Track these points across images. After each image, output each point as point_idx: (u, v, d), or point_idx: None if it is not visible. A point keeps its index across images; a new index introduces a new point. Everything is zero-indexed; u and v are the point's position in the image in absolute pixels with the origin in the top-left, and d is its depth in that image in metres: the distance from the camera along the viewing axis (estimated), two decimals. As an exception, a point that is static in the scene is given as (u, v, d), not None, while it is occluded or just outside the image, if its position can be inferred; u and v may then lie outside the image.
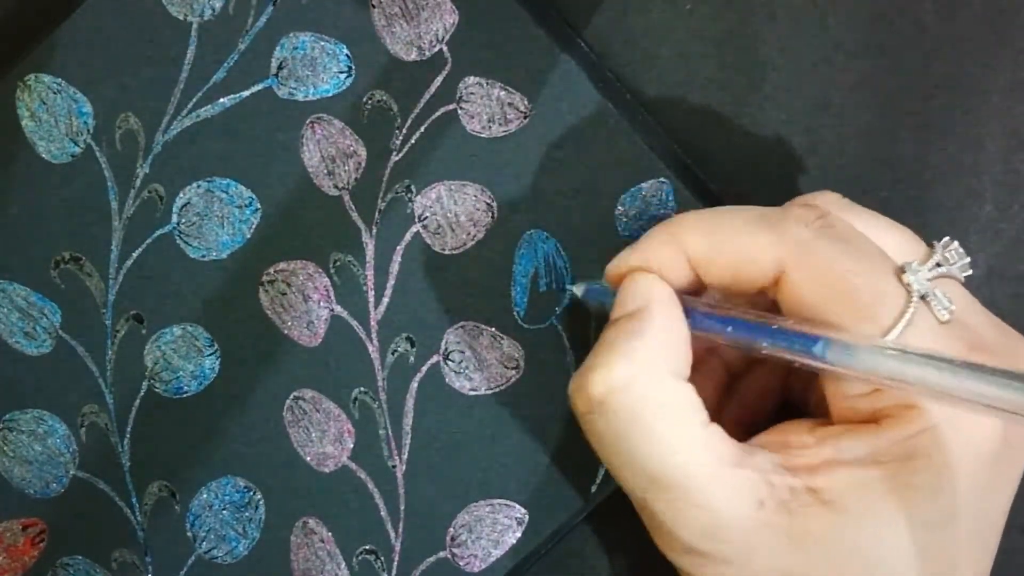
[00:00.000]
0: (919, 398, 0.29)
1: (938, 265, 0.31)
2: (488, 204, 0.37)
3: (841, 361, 0.29)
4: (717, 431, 0.31)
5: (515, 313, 0.37)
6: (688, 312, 0.32)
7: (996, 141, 0.38)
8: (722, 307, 0.32)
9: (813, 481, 0.30)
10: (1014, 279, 0.38)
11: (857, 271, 0.30)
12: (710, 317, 0.32)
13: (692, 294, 0.33)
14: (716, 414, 0.35)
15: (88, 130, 0.37)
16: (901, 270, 0.30)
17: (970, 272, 0.32)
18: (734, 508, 0.30)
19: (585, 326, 0.37)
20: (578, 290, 0.35)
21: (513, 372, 0.37)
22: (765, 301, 0.32)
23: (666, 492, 0.30)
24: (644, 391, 0.30)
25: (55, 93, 0.37)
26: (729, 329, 0.31)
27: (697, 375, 0.33)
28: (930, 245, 0.32)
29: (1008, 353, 0.31)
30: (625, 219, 0.37)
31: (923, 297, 0.30)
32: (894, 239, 0.32)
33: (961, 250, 0.32)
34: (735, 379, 0.36)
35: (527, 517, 0.37)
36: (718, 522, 0.30)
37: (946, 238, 0.32)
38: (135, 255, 0.37)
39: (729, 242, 0.31)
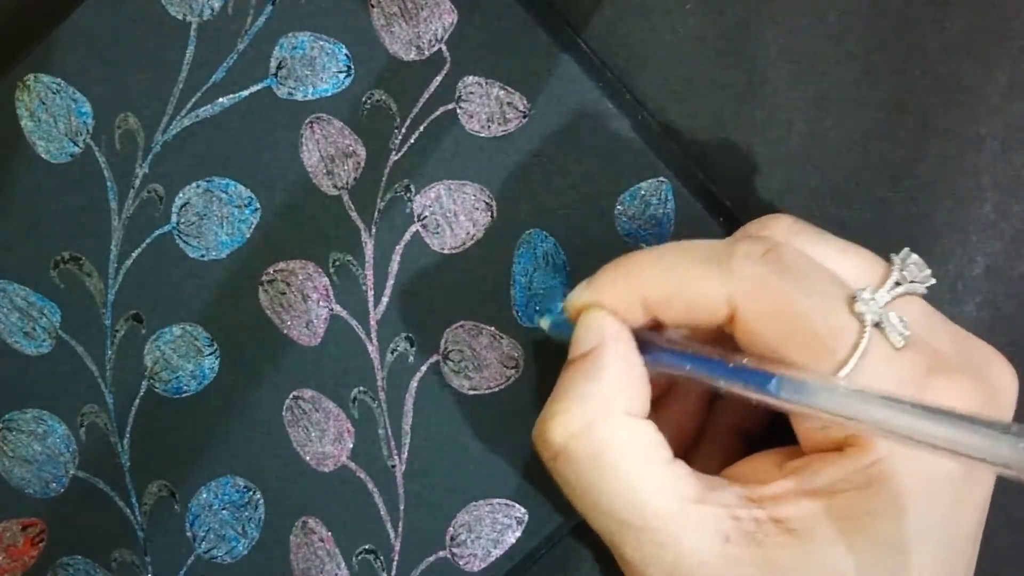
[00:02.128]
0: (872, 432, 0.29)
1: (897, 284, 0.31)
2: (487, 203, 0.37)
3: (795, 399, 0.28)
4: (680, 467, 0.31)
5: (514, 312, 0.37)
6: (645, 348, 0.32)
7: (995, 141, 0.38)
8: (679, 343, 0.32)
9: (778, 511, 0.30)
10: (1014, 279, 0.38)
11: (807, 305, 0.29)
12: (667, 353, 0.31)
13: (652, 330, 0.33)
14: (700, 433, 0.35)
15: (87, 130, 0.37)
16: (853, 298, 0.30)
17: (932, 282, 0.32)
18: (700, 544, 0.30)
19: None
20: (544, 323, 0.35)
21: (512, 372, 0.37)
22: (727, 337, 0.32)
23: (632, 533, 0.30)
24: (603, 435, 0.30)
25: (54, 93, 0.37)
26: (687, 366, 0.31)
27: (673, 396, 0.33)
28: (888, 260, 0.32)
29: (972, 370, 0.31)
30: (625, 219, 0.37)
31: (877, 324, 0.30)
32: (850, 262, 0.31)
33: (920, 262, 0.32)
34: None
35: (527, 517, 0.37)
36: (685, 559, 0.30)
37: (905, 250, 0.32)
38: (135, 255, 0.37)
39: (680, 283, 0.31)
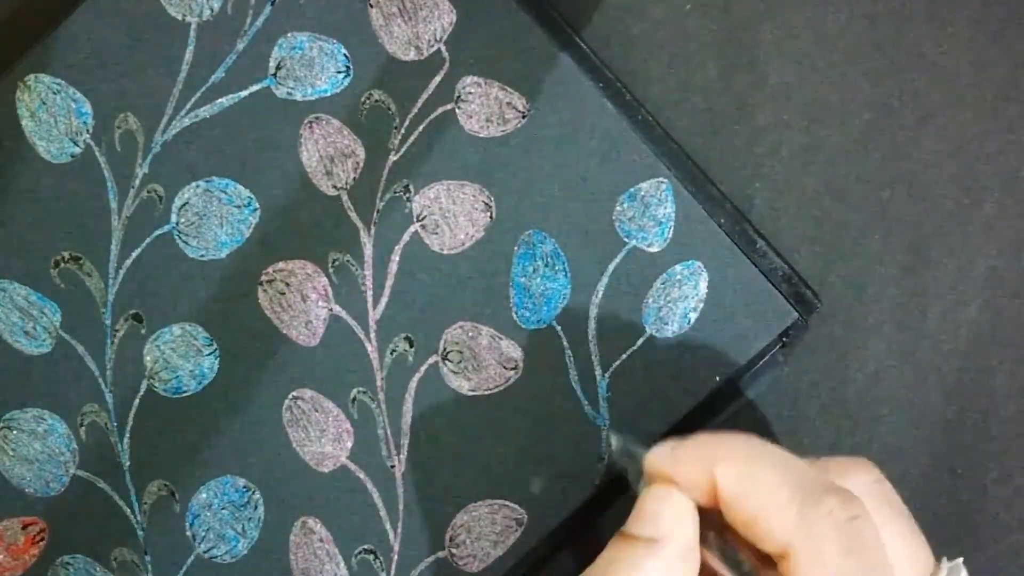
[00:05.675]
0: None
1: None
2: (486, 204, 0.37)
3: None
4: None
5: (514, 314, 0.37)
6: (703, 538, 0.31)
7: (994, 140, 0.37)
8: (732, 551, 0.31)
9: None
10: (1014, 279, 0.38)
11: None
12: (721, 560, 0.31)
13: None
14: None
15: (87, 130, 0.37)
16: None
17: None
18: None
19: (584, 327, 0.37)
20: (613, 443, 0.34)
21: (512, 372, 0.37)
22: None
23: None
24: None
25: (55, 93, 0.37)
26: None
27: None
28: (938, 560, 0.31)
29: None
30: (624, 219, 0.37)
31: None
32: (905, 551, 0.31)
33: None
34: None
35: (526, 517, 0.37)
36: None
37: (958, 561, 0.31)
38: (134, 255, 0.37)
39: (756, 503, 0.30)
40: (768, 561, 0.31)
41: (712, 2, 0.38)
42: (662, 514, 0.31)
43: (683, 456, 0.31)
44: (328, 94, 0.37)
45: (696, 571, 0.31)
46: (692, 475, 0.31)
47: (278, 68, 0.37)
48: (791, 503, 0.30)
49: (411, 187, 0.37)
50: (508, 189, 0.37)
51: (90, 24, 0.37)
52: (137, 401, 0.37)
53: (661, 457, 0.32)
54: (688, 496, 0.31)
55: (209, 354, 0.37)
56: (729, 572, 0.31)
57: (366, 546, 0.37)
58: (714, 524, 0.32)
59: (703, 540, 0.31)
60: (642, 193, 0.37)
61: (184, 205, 0.37)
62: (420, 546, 0.37)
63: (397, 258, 0.37)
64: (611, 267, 0.37)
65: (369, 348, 0.37)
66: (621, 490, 0.37)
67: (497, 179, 0.37)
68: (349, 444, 0.37)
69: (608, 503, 0.37)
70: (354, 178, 0.37)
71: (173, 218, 0.37)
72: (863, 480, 0.32)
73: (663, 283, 0.37)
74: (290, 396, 0.37)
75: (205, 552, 0.37)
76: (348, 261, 0.37)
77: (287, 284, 0.37)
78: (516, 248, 0.37)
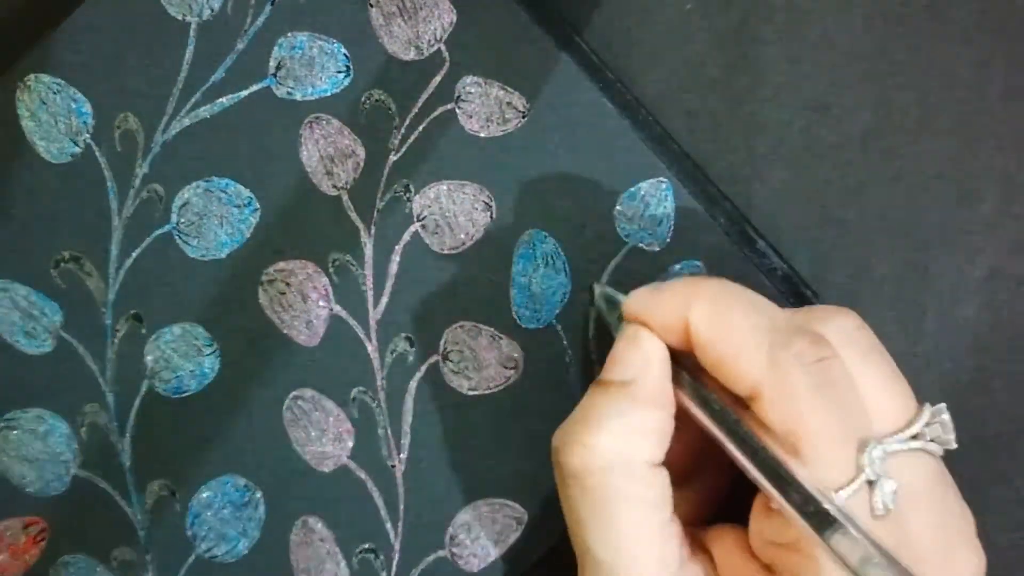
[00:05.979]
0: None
1: (914, 437, 0.30)
2: (487, 204, 0.37)
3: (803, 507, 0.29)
4: (673, 529, 0.31)
5: (514, 313, 0.37)
6: (677, 377, 0.32)
7: (994, 141, 0.37)
8: (703, 389, 0.31)
9: None
10: (1014, 279, 0.38)
11: (822, 432, 0.29)
12: (695, 399, 0.31)
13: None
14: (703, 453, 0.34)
15: (87, 130, 0.37)
16: (865, 444, 0.29)
17: (952, 447, 0.31)
18: None
19: (584, 327, 0.37)
20: (596, 291, 0.35)
21: (512, 372, 0.37)
22: None
23: (604, 573, 0.31)
24: (618, 484, 0.30)
25: (55, 93, 0.37)
26: (709, 422, 0.31)
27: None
28: (921, 405, 0.31)
29: (938, 566, 0.30)
30: (624, 219, 0.37)
31: (871, 482, 0.29)
32: (885, 395, 0.31)
33: (949, 424, 0.31)
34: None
35: (526, 517, 0.37)
36: None
37: (940, 406, 0.31)
38: (135, 255, 0.37)
39: (727, 344, 0.30)
40: (741, 403, 0.31)
41: (713, 2, 0.38)
42: (632, 356, 0.32)
43: (659, 298, 0.32)
44: (328, 94, 0.37)
45: (671, 412, 0.31)
46: (667, 317, 0.31)
47: (278, 68, 0.37)
48: (760, 345, 0.30)
49: (411, 187, 0.37)
50: (508, 189, 0.37)
51: (90, 24, 0.37)
52: (138, 401, 0.37)
53: (638, 300, 0.32)
54: (661, 337, 0.32)
55: (210, 354, 0.37)
56: (702, 412, 0.31)
57: (367, 545, 0.37)
58: (689, 367, 0.32)
59: (676, 381, 0.32)
60: (642, 193, 0.37)
61: (184, 205, 0.37)
62: (420, 545, 0.37)
63: (397, 258, 0.37)
64: (611, 267, 0.37)
65: (369, 348, 0.37)
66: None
67: (497, 179, 0.37)
68: (349, 444, 0.37)
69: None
70: (354, 178, 0.37)
71: (173, 218, 0.37)
72: (844, 325, 0.32)
73: (663, 283, 0.37)
74: (290, 396, 0.37)
75: (206, 552, 0.37)
76: (348, 261, 0.37)
77: (287, 284, 0.37)
78: (516, 248, 0.37)
